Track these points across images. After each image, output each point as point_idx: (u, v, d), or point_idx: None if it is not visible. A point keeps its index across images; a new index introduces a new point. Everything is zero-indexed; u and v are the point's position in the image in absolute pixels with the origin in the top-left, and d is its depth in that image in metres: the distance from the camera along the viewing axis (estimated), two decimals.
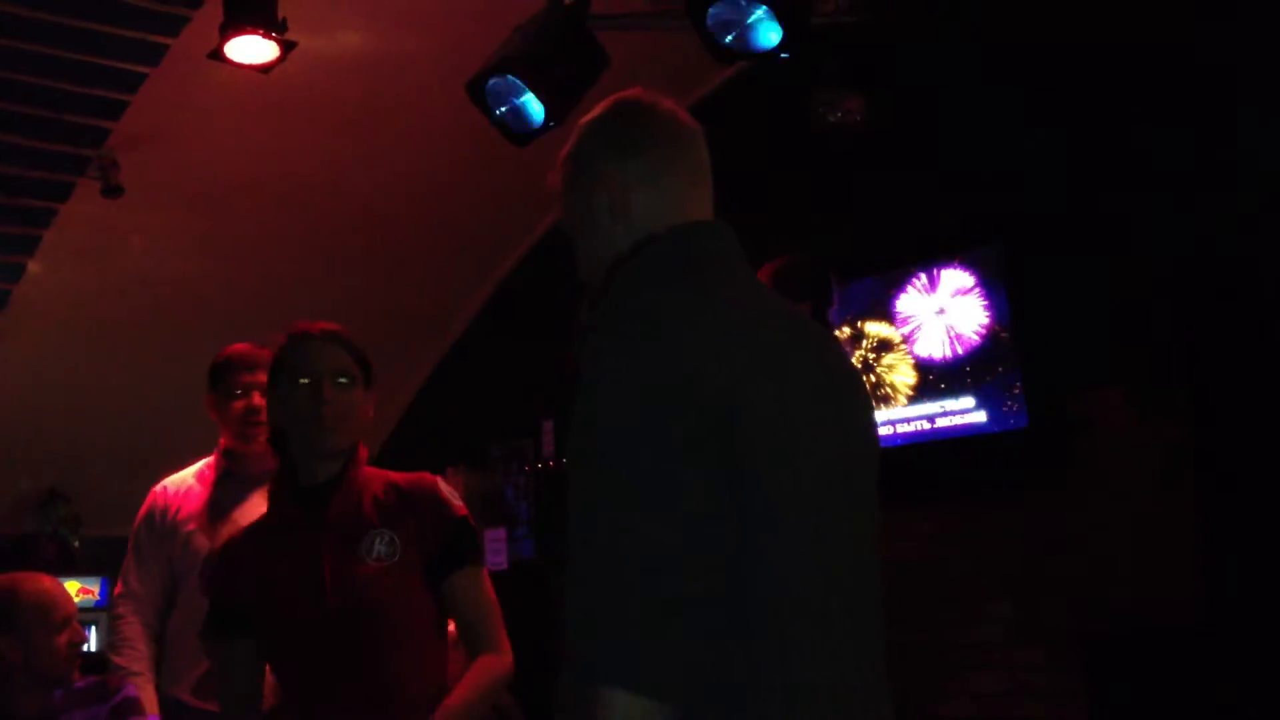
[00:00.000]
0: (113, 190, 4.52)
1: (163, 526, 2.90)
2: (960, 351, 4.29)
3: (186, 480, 2.95)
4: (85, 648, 5.87)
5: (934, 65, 4.44)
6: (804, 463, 1.40)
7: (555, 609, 4.77)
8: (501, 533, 5.28)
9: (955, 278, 4.32)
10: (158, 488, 2.97)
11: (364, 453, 2.19)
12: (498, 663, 2.13)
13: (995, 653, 4.10)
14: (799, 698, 1.34)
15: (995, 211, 4.24)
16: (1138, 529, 3.79)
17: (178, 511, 2.89)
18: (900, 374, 4.45)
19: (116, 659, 2.89)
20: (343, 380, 2.13)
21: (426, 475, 2.22)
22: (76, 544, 5.84)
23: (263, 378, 2.76)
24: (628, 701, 1.25)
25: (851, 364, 1.60)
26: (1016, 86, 4.24)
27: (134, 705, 2.59)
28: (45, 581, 2.59)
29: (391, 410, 6.59)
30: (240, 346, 2.95)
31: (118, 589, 2.96)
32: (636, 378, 1.34)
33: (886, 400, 4.46)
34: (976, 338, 4.25)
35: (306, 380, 2.10)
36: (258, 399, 2.84)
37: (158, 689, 2.88)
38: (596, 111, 1.66)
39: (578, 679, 1.29)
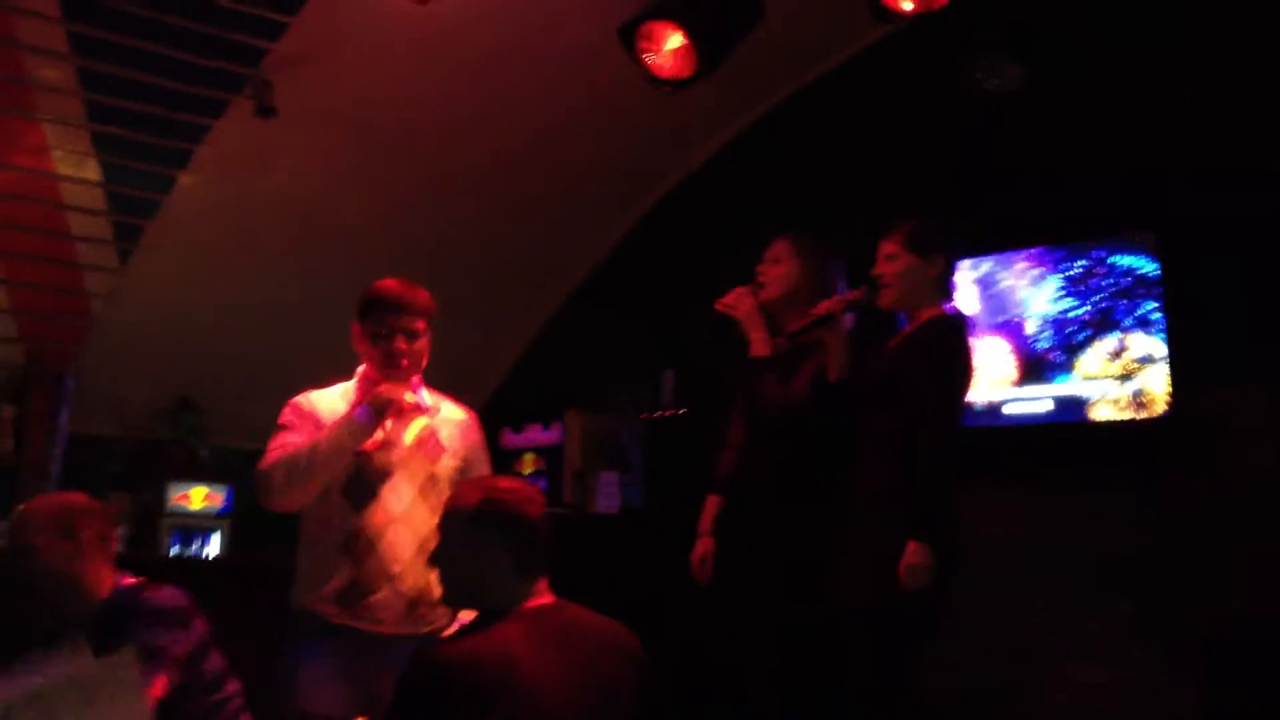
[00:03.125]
0: (266, 110, 4.58)
1: (312, 418, 2.84)
2: (1104, 333, 4.17)
3: (334, 397, 2.93)
4: (206, 553, 6.03)
5: (1093, 37, 4.28)
6: None
7: (663, 554, 4.79)
8: (615, 477, 5.32)
9: (1107, 259, 4.20)
10: (301, 397, 2.90)
11: None
12: None
13: (1110, 645, 4.01)
14: None
15: (1152, 195, 4.10)
16: (1273, 532, 3.66)
17: (322, 421, 2.82)
18: (1036, 349, 4.34)
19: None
20: None
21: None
22: (204, 453, 6.01)
23: (408, 321, 2.84)
24: None
25: None
26: (1181, 68, 4.07)
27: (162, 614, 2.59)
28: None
29: (513, 349, 6.66)
30: (392, 284, 2.88)
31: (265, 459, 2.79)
32: None
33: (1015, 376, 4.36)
34: (1121, 321, 4.12)
35: None
36: (400, 343, 2.82)
37: (292, 602, 2.82)
38: None
39: None
